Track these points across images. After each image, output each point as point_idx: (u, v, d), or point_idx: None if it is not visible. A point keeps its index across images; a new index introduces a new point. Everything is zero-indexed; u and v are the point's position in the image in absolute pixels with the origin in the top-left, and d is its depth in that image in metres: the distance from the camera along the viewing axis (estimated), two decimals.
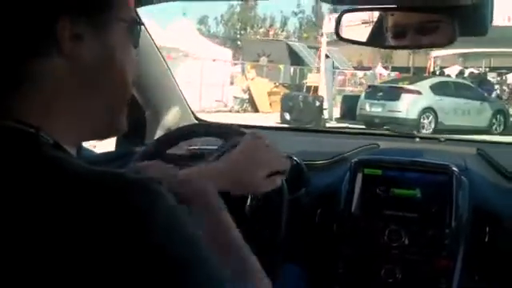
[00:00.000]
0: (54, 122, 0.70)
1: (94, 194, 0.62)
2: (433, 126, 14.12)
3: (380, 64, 29.00)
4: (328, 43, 20.27)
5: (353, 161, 1.66)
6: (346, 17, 1.43)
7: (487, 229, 1.51)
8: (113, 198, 0.62)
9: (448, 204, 1.51)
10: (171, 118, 2.03)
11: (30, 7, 0.67)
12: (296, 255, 1.52)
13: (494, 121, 15.21)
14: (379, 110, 14.25)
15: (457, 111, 14.52)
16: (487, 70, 25.86)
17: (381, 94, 14.63)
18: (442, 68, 25.28)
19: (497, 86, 21.55)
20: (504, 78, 23.53)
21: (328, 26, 19.96)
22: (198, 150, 1.68)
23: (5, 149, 0.65)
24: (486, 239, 1.51)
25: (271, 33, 45.12)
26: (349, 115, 15.09)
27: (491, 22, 1.32)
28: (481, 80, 20.51)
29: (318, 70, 21.06)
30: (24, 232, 0.59)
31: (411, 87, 14.66)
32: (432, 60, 25.16)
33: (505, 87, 22.42)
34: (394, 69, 28.20)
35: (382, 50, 12.33)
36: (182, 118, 2.05)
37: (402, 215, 1.54)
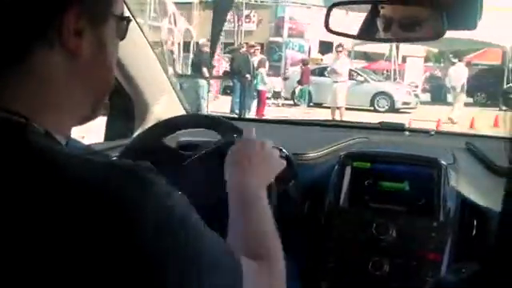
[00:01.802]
0: (46, 112, 0.70)
1: (89, 184, 0.62)
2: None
3: None
4: None
5: (342, 154, 1.66)
6: (336, 10, 1.42)
7: (475, 222, 1.52)
8: (106, 187, 0.62)
9: (436, 197, 1.52)
10: (161, 110, 2.02)
11: None
12: (284, 248, 1.52)
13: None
14: None
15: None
16: None
17: None
18: None
19: None
20: None
21: None
22: (188, 142, 1.68)
23: None
24: (474, 233, 1.52)
25: None
26: None
27: (480, 16, 1.31)
28: None
29: None
30: (17, 226, 0.59)
31: None
32: None
33: None
34: None
35: None
36: (172, 109, 2.04)
37: (389, 208, 1.55)
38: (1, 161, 0.63)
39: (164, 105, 2.04)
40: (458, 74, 15.50)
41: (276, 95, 17.77)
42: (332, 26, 1.43)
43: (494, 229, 1.51)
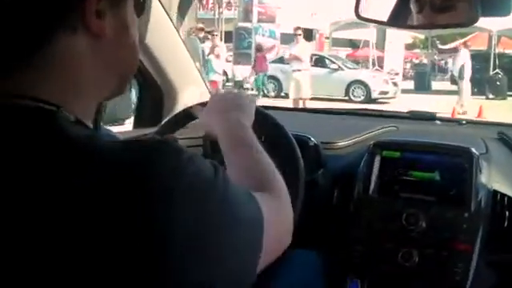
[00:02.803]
0: (74, 98, 0.70)
1: (126, 165, 0.62)
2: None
3: None
4: None
5: (371, 143, 1.64)
6: None
7: (507, 213, 1.49)
8: (143, 164, 0.63)
9: (467, 187, 1.49)
10: (189, 98, 2.02)
11: None
12: (312, 238, 1.51)
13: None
14: None
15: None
16: None
17: None
18: None
19: None
20: None
21: None
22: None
23: (26, 130, 0.64)
24: (505, 224, 1.49)
25: None
26: None
27: None
28: None
29: None
30: (57, 214, 0.59)
31: None
32: None
33: None
34: None
35: None
36: (200, 98, 2.04)
37: (420, 198, 1.53)
38: (35, 151, 0.62)
39: (192, 93, 2.04)
40: (464, 61, 14.68)
41: (239, 85, 16.39)
42: (362, 12, 1.41)
43: None
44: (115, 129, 1.93)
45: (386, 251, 1.50)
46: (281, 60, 16.06)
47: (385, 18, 1.53)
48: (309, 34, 22.56)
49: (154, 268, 0.59)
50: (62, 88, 0.69)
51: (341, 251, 1.56)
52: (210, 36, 13.54)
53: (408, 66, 28.56)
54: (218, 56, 12.74)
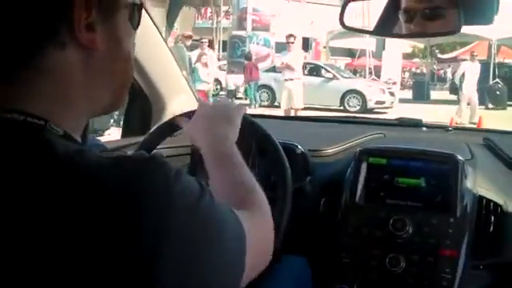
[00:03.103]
0: (63, 112, 0.70)
1: (111, 180, 0.62)
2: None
3: None
4: None
5: (358, 149, 1.65)
6: (351, 5, 1.42)
7: (492, 218, 1.51)
8: (130, 180, 0.63)
9: (453, 193, 1.50)
10: (177, 107, 2.03)
11: None
12: (299, 245, 1.52)
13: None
14: None
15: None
16: None
17: None
18: None
19: None
20: None
21: None
22: None
23: (13, 144, 0.64)
24: (491, 229, 1.50)
25: None
26: None
27: (497, 10, 1.30)
28: None
29: None
30: (41, 229, 0.59)
31: None
32: None
33: None
34: None
35: None
36: (188, 106, 2.05)
37: (406, 204, 1.54)
38: (22, 165, 0.62)
39: (180, 102, 2.04)
40: (472, 70, 14.05)
41: (231, 94, 16.41)
42: (347, 22, 1.43)
43: (511, 225, 1.51)
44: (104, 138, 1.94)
45: (373, 257, 1.51)
46: (274, 69, 15.26)
47: (371, 28, 1.55)
48: (305, 43, 22.45)
49: (139, 283, 0.59)
50: (51, 101, 0.68)
51: (329, 258, 1.57)
52: (188, 42, 13.04)
53: (407, 75, 28.43)
54: (205, 64, 12.35)
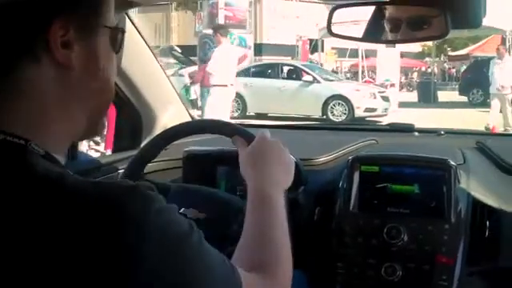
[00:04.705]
0: (42, 131, 0.69)
1: (91, 205, 0.61)
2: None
3: None
4: None
5: (350, 158, 1.64)
6: (338, 13, 1.41)
7: (487, 223, 1.50)
8: (108, 207, 0.62)
9: (446, 199, 1.49)
10: (168, 120, 2.02)
11: (22, 10, 0.66)
12: (295, 256, 1.50)
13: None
14: None
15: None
16: None
17: None
18: None
19: None
20: None
21: None
22: (196, 152, 1.68)
23: None
24: (487, 234, 1.49)
25: None
26: None
27: (484, 14, 1.30)
28: None
29: None
30: (21, 250, 0.59)
31: None
32: None
33: None
34: None
35: None
36: (179, 118, 2.04)
37: (400, 211, 1.52)
38: (3, 186, 0.62)
39: (171, 114, 2.03)
40: (503, 68, 11.68)
41: (193, 105, 11.82)
42: (334, 29, 1.42)
43: (507, 229, 1.50)
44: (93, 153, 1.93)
45: (369, 266, 1.49)
46: (246, 72, 13.97)
47: (359, 34, 1.54)
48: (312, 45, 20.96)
49: None
50: (30, 120, 0.68)
51: (325, 268, 1.56)
52: None
53: (415, 75, 26.95)
54: None
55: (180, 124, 1.56)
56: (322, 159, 1.80)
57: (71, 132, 0.75)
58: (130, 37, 1.68)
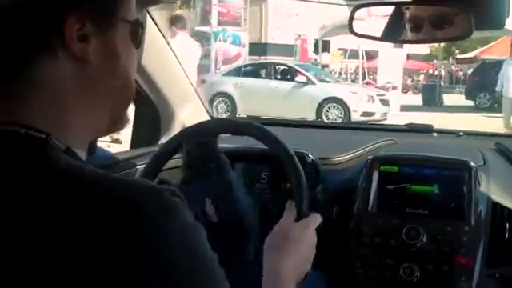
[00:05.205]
0: (63, 126, 0.69)
1: (111, 202, 0.62)
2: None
3: None
4: None
5: (369, 158, 1.63)
6: (359, 12, 1.40)
7: (507, 225, 1.49)
8: (127, 207, 0.62)
9: (466, 200, 1.48)
10: (186, 117, 2.02)
11: (36, 5, 0.66)
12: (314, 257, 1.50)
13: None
14: None
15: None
16: None
17: None
18: None
19: None
20: None
21: None
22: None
23: (15, 157, 0.64)
24: (506, 236, 1.48)
25: None
26: None
27: (508, 14, 1.28)
28: None
29: None
30: (41, 245, 0.59)
31: None
32: None
33: None
34: None
35: None
36: (197, 116, 2.04)
37: (419, 212, 1.52)
38: (23, 179, 0.62)
39: (189, 112, 2.04)
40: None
41: None
42: (356, 29, 1.41)
43: None
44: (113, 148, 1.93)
45: (387, 267, 1.49)
46: (237, 71, 13.55)
47: (379, 34, 1.53)
48: (316, 46, 20.14)
49: None
50: (50, 115, 0.68)
51: (342, 268, 1.55)
52: None
53: (421, 78, 26.68)
54: None
55: (207, 121, 1.56)
56: (341, 158, 1.80)
57: (93, 127, 0.75)
58: (149, 32, 1.69)
